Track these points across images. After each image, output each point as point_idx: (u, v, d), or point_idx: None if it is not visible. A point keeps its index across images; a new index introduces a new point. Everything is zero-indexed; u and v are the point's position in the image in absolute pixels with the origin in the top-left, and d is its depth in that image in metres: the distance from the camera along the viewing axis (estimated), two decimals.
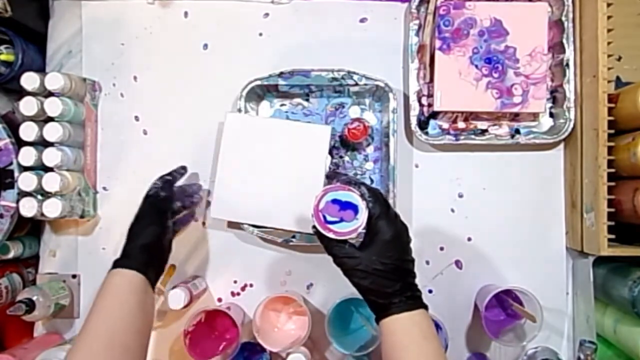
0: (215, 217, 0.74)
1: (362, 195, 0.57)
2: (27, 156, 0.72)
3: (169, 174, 0.73)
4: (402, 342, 0.53)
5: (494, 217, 0.79)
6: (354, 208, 0.56)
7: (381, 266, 0.55)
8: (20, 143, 0.73)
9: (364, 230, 0.57)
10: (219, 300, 0.81)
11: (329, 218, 0.57)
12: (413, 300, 0.55)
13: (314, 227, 0.57)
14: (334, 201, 0.57)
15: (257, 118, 0.78)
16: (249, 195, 0.72)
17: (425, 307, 0.56)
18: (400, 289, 0.55)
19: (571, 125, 0.75)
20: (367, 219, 0.56)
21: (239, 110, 0.77)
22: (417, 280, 0.57)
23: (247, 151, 0.73)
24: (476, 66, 0.74)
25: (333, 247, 0.57)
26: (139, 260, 0.61)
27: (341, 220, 0.56)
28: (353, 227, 0.56)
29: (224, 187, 0.73)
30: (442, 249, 0.80)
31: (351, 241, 0.57)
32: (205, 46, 0.82)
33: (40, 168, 0.72)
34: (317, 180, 0.71)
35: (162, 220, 0.66)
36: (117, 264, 0.61)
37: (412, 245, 0.58)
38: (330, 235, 0.56)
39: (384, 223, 0.56)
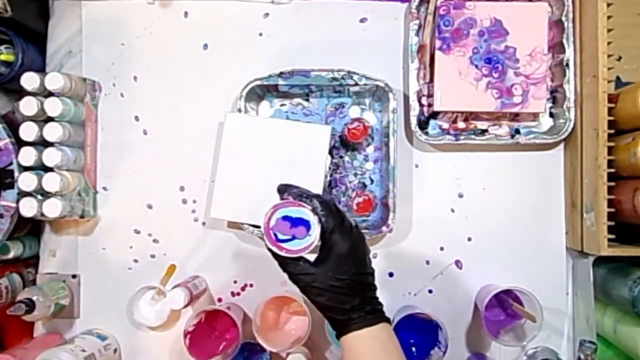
0: (215, 217, 0.74)
1: (314, 210, 0.55)
2: (27, 156, 0.72)
3: None
4: (363, 358, 0.52)
5: (494, 217, 0.79)
6: (306, 224, 0.55)
7: (337, 282, 0.53)
8: (20, 143, 0.73)
9: (318, 244, 0.56)
10: (219, 300, 0.81)
11: (280, 236, 0.55)
12: (373, 314, 0.54)
13: (266, 245, 0.56)
14: (285, 218, 0.55)
15: (257, 118, 0.78)
16: (248, 195, 0.72)
17: (387, 320, 0.55)
18: (358, 304, 0.53)
19: (571, 125, 0.75)
20: (320, 234, 0.55)
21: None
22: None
23: (247, 151, 0.72)
24: (476, 66, 0.74)
25: (287, 265, 0.55)
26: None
27: (293, 237, 0.55)
28: (306, 245, 0.54)
29: (224, 187, 0.72)
30: (442, 249, 0.80)
31: (307, 256, 0.56)
32: (205, 46, 0.82)
33: (40, 168, 0.72)
34: (317, 181, 0.71)
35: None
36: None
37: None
38: (283, 253, 0.55)
39: (338, 237, 0.54)
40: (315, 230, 0.55)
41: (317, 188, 0.68)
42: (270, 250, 0.56)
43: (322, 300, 0.54)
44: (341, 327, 0.54)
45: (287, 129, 0.73)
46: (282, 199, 0.59)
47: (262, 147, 0.72)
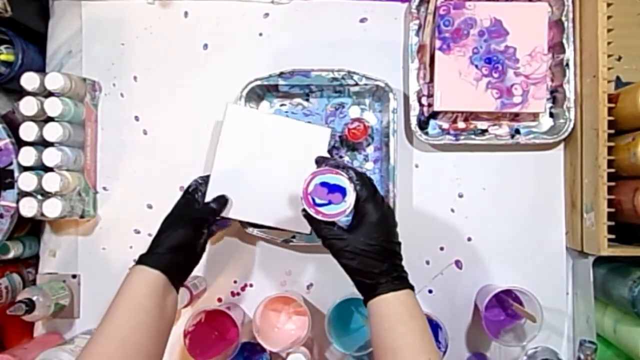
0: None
1: (350, 179, 0.58)
2: (27, 156, 0.72)
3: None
4: (390, 320, 0.54)
5: (494, 217, 0.79)
6: (342, 191, 0.58)
7: (368, 247, 0.56)
8: (20, 143, 0.73)
9: (351, 213, 0.59)
10: (219, 300, 0.81)
11: (317, 201, 0.58)
12: (399, 280, 0.56)
13: (303, 209, 0.59)
14: (323, 184, 0.58)
15: (258, 112, 0.77)
16: (245, 191, 0.71)
17: (412, 287, 0.57)
18: (386, 269, 0.56)
19: (571, 125, 0.75)
20: (354, 202, 0.58)
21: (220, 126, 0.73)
22: (404, 264, 0.58)
23: (246, 146, 0.71)
24: (476, 66, 0.74)
25: (322, 229, 0.58)
26: (164, 261, 0.59)
27: (329, 202, 0.58)
28: (341, 209, 0.57)
29: (220, 182, 0.70)
30: (442, 249, 0.80)
31: (340, 224, 0.59)
32: (205, 46, 0.82)
33: (40, 168, 0.73)
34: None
35: (198, 224, 0.63)
36: (141, 260, 0.59)
37: (399, 230, 0.60)
38: (319, 217, 0.58)
39: (371, 206, 0.58)
40: (351, 197, 0.57)
41: None
42: (306, 215, 0.59)
43: (353, 264, 0.56)
44: (369, 291, 0.56)
45: (287, 127, 0.72)
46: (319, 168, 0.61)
47: (261, 143, 0.71)
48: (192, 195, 0.67)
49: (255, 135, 0.72)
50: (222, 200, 0.68)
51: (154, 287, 0.57)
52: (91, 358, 0.52)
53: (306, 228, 0.67)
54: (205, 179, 0.69)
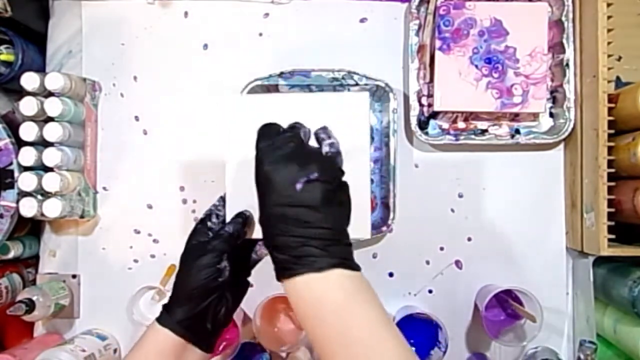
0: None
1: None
2: (27, 156, 0.72)
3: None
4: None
5: (494, 217, 0.79)
6: None
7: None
8: (20, 143, 0.73)
9: None
10: None
11: None
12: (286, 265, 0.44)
13: None
14: None
15: (269, 96, 0.64)
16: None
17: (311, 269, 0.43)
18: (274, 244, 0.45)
19: (571, 125, 0.75)
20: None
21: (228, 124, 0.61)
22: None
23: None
24: (476, 66, 0.74)
25: None
26: (176, 317, 0.50)
27: None
28: None
29: (239, 196, 0.54)
30: (442, 249, 0.80)
31: None
32: (205, 46, 0.82)
33: (40, 168, 0.72)
34: (362, 162, 0.54)
35: (209, 262, 0.50)
36: (159, 317, 0.51)
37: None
38: None
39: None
40: None
41: (363, 171, 0.54)
42: None
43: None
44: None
45: (312, 103, 0.55)
46: None
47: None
48: (204, 223, 0.55)
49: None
50: (239, 220, 0.53)
51: (162, 349, 0.50)
52: None
53: (365, 232, 0.54)
54: (223, 200, 0.55)
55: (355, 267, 0.44)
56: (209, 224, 0.55)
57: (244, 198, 0.53)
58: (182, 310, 0.50)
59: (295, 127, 0.50)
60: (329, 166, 0.47)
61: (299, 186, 0.44)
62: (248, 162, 0.50)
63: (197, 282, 0.50)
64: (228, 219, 0.54)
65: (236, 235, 0.52)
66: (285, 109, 0.54)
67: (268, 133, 0.49)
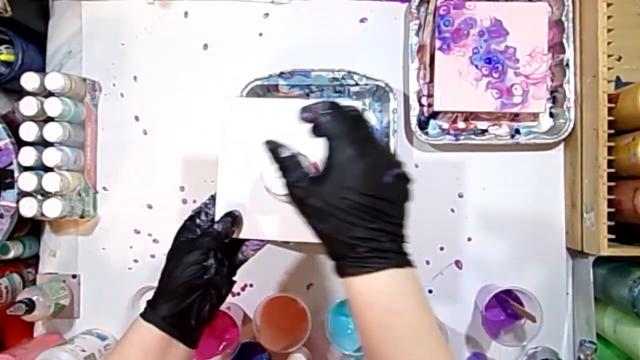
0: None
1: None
2: (27, 156, 0.72)
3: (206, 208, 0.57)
4: (363, 317, 0.42)
5: (494, 217, 0.79)
6: None
7: (337, 201, 0.41)
8: (20, 143, 0.73)
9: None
10: None
11: None
12: (381, 254, 0.41)
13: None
14: None
15: (265, 101, 0.66)
16: (263, 201, 0.54)
17: (406, 264, 0.43)
18: (362, 236, 0.41)
19: (571, 125, 0.75)
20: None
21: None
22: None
23: (257, 145, 0.50)
24: (476, 66, 0.74)
25: (288, 175, 0.45)
26: (160, 313, 0.50)
27: None
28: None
29: (229, 195, 0.55)
30: (442, 249, 0.80)
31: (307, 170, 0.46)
32: (205, 46, 0.82)
33: (40, 168, 0.72)
34: None
35: (195, 260, 0.51)
36: (144, 314, 0.51)
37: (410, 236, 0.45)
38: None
39: (343, 144, 0.42)
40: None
41: None
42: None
43: (317, 224, 0.43)
44: (337, 270, 0.43)
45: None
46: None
47: (274, 135, 0.51)
48: (193, 221, 0.55)
49: (267, 128, 0.54)
50: (229, 219, 0.53)
51: (147, 346, 0.50)
52: None
53: None
54: (214, 199, 0.56)
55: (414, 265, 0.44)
56: (197, 221, 0.55)
57: (234, 197, 0.54)
58: (167, 306, 0.50)
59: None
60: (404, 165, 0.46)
61: (387, 179, 0.42)
62: (240, 163, 0.53)
63: (183, 279, 0.50)
64: (217, 218, 0.54)
65: (224, 234, 0.52)
66: (279, 114, 0.54)
67: (344, 115, 0.44)
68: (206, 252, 0.52)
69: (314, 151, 0.49)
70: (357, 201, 0.41)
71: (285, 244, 0.77)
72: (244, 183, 0.55)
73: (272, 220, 0.56)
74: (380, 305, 0.41)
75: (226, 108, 0.57)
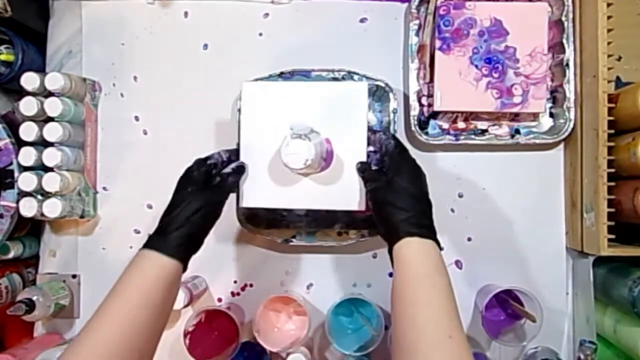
0: (248, 207, 0.67)
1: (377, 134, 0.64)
2: (27, 156, 0.72)
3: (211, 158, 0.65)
4: (414, 269, 0.53)
5: (494, 217, 0.79)
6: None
7: (410, 187, 0.58)
8: (20, 143, 0.73)
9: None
10: (219, 300, 0.81)
11: None
12: (428, 230, 0.56)
13: (359, 162, 0.64)
14: None
15: (278, 84, 0.71)
16: (280, 175, 0.64)
17: (439, 244, 0.57)
18: (418, 214, 0.57)
19: (571, 125, 0.75)
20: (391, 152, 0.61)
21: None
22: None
23: (272, 125, 0.64)
24: (476, 66, 0.74)
25: (369, 176, 0.62)
26: (182, 249, 0.55)
27: None
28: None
29: (252, 172, 0.65)
30: (442, 249, 0.79)
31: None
32: (205, 46, 0.82)
33: (40, 168, 0.73)
34: (359, 147, 0.64)
35: (215, 205, 0.60)
36: (153, 245, 0.55)
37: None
38: None
39: (407, 154, 0.62)
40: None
41: (360, 154, 0.64)
42: (361, 167, 0.64)
43: (394, 200, 0.57)
44: (397, 233, 0.55)
45: (315, 92, 0.65)
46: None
47: (290, 118, 0.64)
48: (210, 168, 0.62)
49: (281, 110, 0.65)
50: (240, 170, 0.64)
51: (166, 279, 0.54)
52: (91, 343, 0.49)
53: (354, 203, 0.64)
54: (229, 157, 0.64)
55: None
56: (213, 172, 0.63)
57: (255, 171, 0.65)
58: (183, 245, 0.56)
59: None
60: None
61: (426, 188, 0.60)
62: (260, 141, 0.65)
63: (204, 224, 0.59)
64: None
65: (236, 185, 0.64)
66: (291, 96, 0.65)
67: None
68: (221, 203, 0.61)
69: (324, 129, 0.64)
70: (423, 191, 0.59)
71: (285, 244, 0.77)
72: (263, 159, 0.65)
73: (288, 191, 0.65)
74: (429, 263, 0.54)
75: (245, 92, 0.66)
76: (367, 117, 0.66)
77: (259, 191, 0.65)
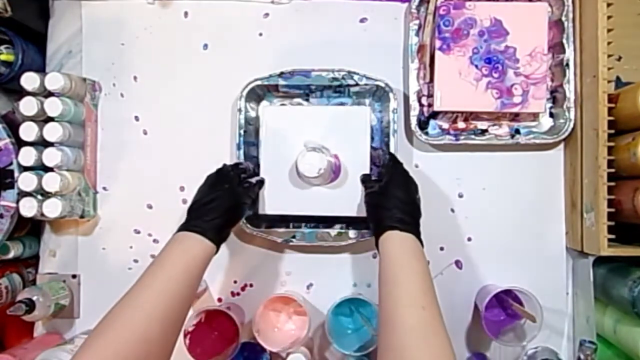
0: (268, 213, 0.76)
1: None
2: (27, 156, 0.72)
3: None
4: (393, 254, 0.59)
5: (494, 217, 0.79)
6: None
7: (401, 194, 0.65)
8: (20, 143, 0.73)
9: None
10: (219, 300, 0.81)
11: None
12: (412, 227, 0.62)
13: (363, 175, 0.74)
14: None
15: (293, 108, 0.80)
16: (293, 186, 0.75)
17: (421, 241, 0.62)
18: (405, 216, 0.63)
19: (571, 125, 0.75)
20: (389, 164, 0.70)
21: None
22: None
23: (289, 144, 0.75)
24: (476, 66, 0.74)
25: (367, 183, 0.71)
26: (217, 234, 0.62)
27: None
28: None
29: (271, 182, 0.75)
30: (442, 249, 0.80)
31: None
32: (205, 46, 0.82)
33: (40, 168, 0.73)
34: (363, 162, 0.75)
35: (243, 205, 0.69)
36: (193, 228, 0.61)
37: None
38: None
39: (400, 166, 0.69)
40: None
41: (364, 167, 0.75)
42: (363, 179, 0.74)
43: (385, 203, 0.65)
44: (383, 228, 0.62)
45: (324, 115, 0.76)
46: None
47: (303, 136, 0.75)
48: (242, 171, 0.71)
49: (296, 130, 0.75)
50: (260, 184, 0.75)
51: (204, 260, 0.60)
52: (137, 308, 0.52)
53: (359, 211, 0.74)
54: (254, 169, 0.76)
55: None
56: (242, 176, 0.72)
57: (274, 181, 0.76)
58: (223, 232, 0.64)
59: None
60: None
61: (417, 197, 0.67)
62: (277, 156, 0.76)
63: (236, 218, 0.67)
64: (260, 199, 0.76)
65: (257, 194, 0.75)
66: (305, 118, 0.76)
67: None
68: (248, 201, 0.70)
69: (333, 146, 0.75)
70: (412, 198, 0.66)
71: (285, 244, 0.77)
72: (281, 172, 0.75)
73: (302, 199, 0.75)
74: (406, 251, 0.59)
75: (265, 115, 0.77)
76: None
77: (278, 199, 0.75)
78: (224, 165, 0.71)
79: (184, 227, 0.62)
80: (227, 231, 0.66)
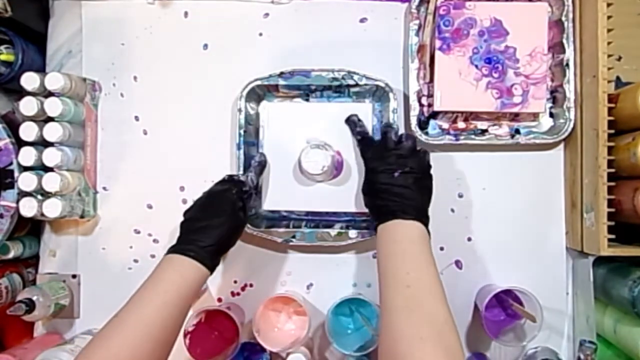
0: (270, 209, 0.78)
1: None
2: (27, 156, 0.72)
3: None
4: (388, 244, 0.61)
5: (494, 217, 0.79)
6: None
7: (404, 170, 0.65)
8: (20, 143, 0.73)
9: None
10: (219, 300, 0.81)
11: None
12: (420, 214, 0.63)
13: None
14: None
15: (294, 104, 0.79)
16: (294, 182, 0.77)
17: (426, 225, 0.62)
18: (410, 204, 0.63)
19: (571, 125, 0.75)
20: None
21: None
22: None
23: (291, 140, 0.76)
24: (476, 66, 0.74)
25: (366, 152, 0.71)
26: (212, 260, 0.62)
27: None
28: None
29: (273, 178, 0.77)
30: (442, 249, 0.80)
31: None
32: (205, 46, 0.82)
33: (40, 168, 0.73)
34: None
35: (241, 225, 0.68)
36: (188, 252, 0.60)
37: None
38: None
39: (411, 141, 0.68)
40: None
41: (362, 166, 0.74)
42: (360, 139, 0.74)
43: (387, 180, 0.65)
44: (386, 216, 0.63)
45: (326, 111, 0.78)
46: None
47: (305, 133, 0.77)
48: (244, 194, 0.69)
49: (298, 126, 0.77)
50: (259, 169, 0.74)
51: (198, 284, 0.60)
52: (134, 326, 0.54)
53: (361, 206, 0.73)
54: (256, 185, 0.74)
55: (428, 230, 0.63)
56: (244, 189, 0.69)
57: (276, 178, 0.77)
58: (217, 258, 0.63)
59: (389, 126, 0.72)
60: (421, 162, 0.67)
61: (396, 175, 0.64)
62: (279, 152, 0.77)
63: (231, 240, 0.66)
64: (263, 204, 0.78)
65: (257, 186, 0.75)
66: (307, 114, 0.78)
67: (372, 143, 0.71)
68: (245, 223, 0.69)
69: (334, 142, 0.76)
70: (382, 188, 0.65)
71: (285, 244, 0.77)
72: (284, 168, 0.77)
73: (305, 195, 0.77)
74: (407, 237, 0.60)
75: (266, 111, 0.78)
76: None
77: (280, 196, 0.77)
78: (228, 182, 0.69)
79: (178, 249, 0.61)
80: (224, 255, 0.66)
